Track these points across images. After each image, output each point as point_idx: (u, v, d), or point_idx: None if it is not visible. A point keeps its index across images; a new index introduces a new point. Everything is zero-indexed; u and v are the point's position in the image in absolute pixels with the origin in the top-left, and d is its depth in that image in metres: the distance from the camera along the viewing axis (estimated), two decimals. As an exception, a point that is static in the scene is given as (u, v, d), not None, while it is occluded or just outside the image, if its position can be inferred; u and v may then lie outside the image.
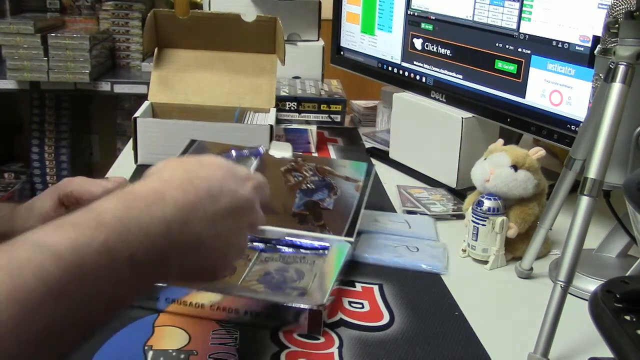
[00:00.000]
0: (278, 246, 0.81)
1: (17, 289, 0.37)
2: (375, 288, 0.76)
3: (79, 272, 0.40)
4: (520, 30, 0.96)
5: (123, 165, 1.13)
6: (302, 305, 0.66)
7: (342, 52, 1.41)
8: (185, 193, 0.49)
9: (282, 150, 0.97)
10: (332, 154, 1.27)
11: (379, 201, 1.02)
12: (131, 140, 1.14)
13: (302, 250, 0.81)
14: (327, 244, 0.81)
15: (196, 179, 0.51)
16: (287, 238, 0.82)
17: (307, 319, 0.66)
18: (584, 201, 0.64)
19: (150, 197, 0.47)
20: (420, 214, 0.98)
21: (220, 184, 0.52)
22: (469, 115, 1.06)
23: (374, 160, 1.24)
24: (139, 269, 0.44)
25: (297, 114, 1.37)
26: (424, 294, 0.76)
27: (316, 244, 0.81)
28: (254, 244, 0.81)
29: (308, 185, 0.90)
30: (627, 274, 0.70)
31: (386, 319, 0.70)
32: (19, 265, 0.38)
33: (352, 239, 0.82)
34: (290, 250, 0.81)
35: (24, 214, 0.77)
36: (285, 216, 0.85)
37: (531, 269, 0.81)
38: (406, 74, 1.22)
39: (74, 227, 0.42)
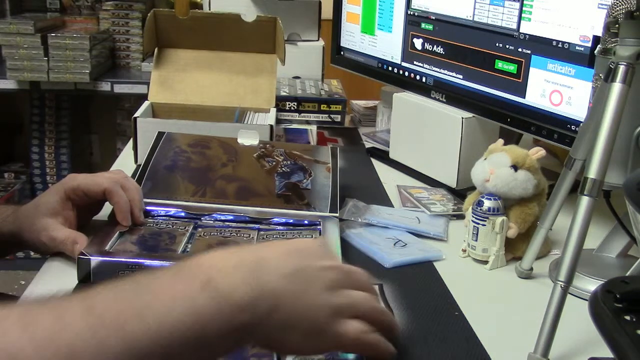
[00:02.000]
0: (272, 225, 0.86)
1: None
2: (375, 288, 0.76)
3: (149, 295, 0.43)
4: (520, 30, 0.96)
5: (123, 165, 1.13)
6: None
7: (342, 52, 1.41)
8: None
9: (249, 138, 1.00)
10: (332, 154, 1.27)
11: (379, 201, 1.02)
12: (131, 140, 1.14)
13: (298, 227, 0.86)
14: (317, 220, 0.87)
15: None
16: (277, 217, 0.87)
17: None
18: (584, 201, 0.64)
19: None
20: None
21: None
22: (469, 115, 1.06)
23: (374, 160, 1.24)
24: (221, 299, 0.44)
25: (297, 114, 1.38)
26: (424, 294, 0.76)
27: (306, 220, 0.87)
28: (249, 224, 0.85)
29: (283, 169, 0.95)
30: (627, 274, 0.70)
31: (386, 319, 0.70)
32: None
33: (337, 214, 0.89)
34: (285, 227, 0.86)
35: (30, 213, 0.78)
36: (271, 198, 0.90)
37: (531, 269, 0.81)
38: (406, 74, 1.22)
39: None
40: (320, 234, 0.84)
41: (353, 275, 0.54)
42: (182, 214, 0.85)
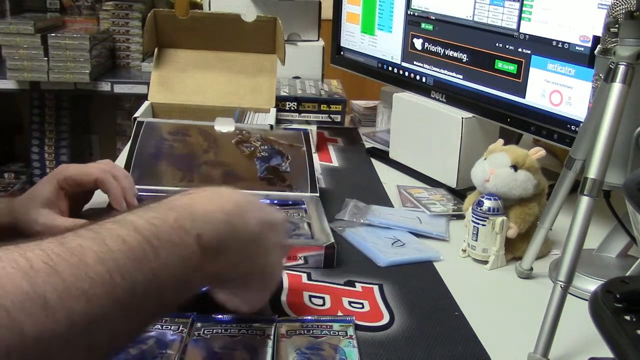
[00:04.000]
0: None
1: (102, 252, 0.42)
2: (375, 288, 0.76)
3: (157, 241, 0.46)
4: (520, 30, 0.97)
5: (123, 165, 1.13)
6: (320, 244, 0.79)
7: (342, 52, 1.41)
8: (237, 195, 0.56)
9: (226, 125, 1.03)
10: (332, 153, 1.27)
11: (379, 201, 1.02)
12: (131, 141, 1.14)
13: (284, 207, 0.91)
14: (300, 200, 0.93)
15: (236, 193, 0.57)
16: (263, 199, 0.91)
17: (323, 255, 0.79)
18: (584, 201, 0.64)
19: (208, 194, 0.54)
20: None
21: (257, 202, 0.60)
22: (469, 115, 1.06)
23: (374, 161, 1.24)
24: (206, 251, 0.49)
25: (297, 114, 1.37)
26: (424, 294, 0.76)
27: (290, 200, 0.93)
28: None
29: (262, 153, 0.99)
30: (627, 274, 0.70)
31: (386, 319, 0.70)
32: (103, 236, 0.44)
33: (317, 194, 0.95)
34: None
35: (25, 203, 0.79)
36: (254, 181, 0.95)
37: (531, 269, 0.81)
38: (406, 74, 1.22)
39: (148, 209, 0.49)
40: (306, 212, 0.90)
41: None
42: None
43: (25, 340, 0.37)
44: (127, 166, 0.94)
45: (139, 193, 0.85)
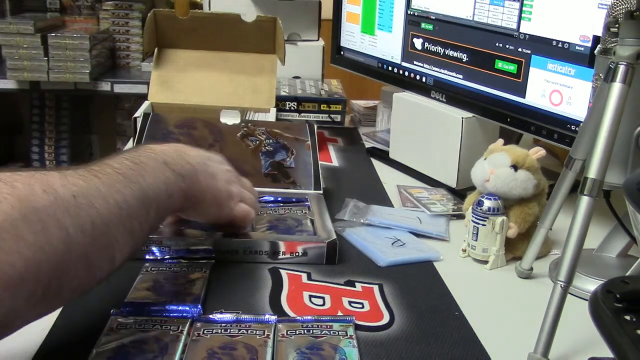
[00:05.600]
0: (262, 202, 0.92)
1: (103, 174, 0.58)
2: (375, 288, 0.76)
3: (141, 168, 0.62)
4: (520, 30, 0.97)
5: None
6: (321, 240, 0.80)
7: (342, 52, 1.41)
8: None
9: (231, 117, 1.04)
10: (332, 153, 1.27)
11: (379, 201, 1.02)
12: (131, 141, 1.14)
13: (287, 204, 0.93)
14: (303, 197, 0.94)
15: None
16: (267, 196, 0.93)
17: (325, 252, 0.80)
18: (584, 201, 0.64)
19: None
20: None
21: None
22: (469, 115, 1.06)
23: (374, 160, 1.24)
24: (174, 172, 0.66)
25: (297, 114, 1.37)
26: (424, 294, 0.76)
27: (294, 198, 0.94)
28: None
29: (267, 147, 1.00)
30: (627, 274, 0.70)
31: (386, 319, 0.70)
32: (95, 172, 0.57)
33: (320, 191, 0.96)
34: (275, 204, 0.92)
35: None
36: (259, 177, 0.96)
37: (531, 269, 0.81)
38: (406, 73, 1.22)
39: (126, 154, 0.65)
40: (309, 209, 0.90)
41: (242, 179, 0.81)
42: None
43: (75, 234, 0.50)
44: None
45: None
